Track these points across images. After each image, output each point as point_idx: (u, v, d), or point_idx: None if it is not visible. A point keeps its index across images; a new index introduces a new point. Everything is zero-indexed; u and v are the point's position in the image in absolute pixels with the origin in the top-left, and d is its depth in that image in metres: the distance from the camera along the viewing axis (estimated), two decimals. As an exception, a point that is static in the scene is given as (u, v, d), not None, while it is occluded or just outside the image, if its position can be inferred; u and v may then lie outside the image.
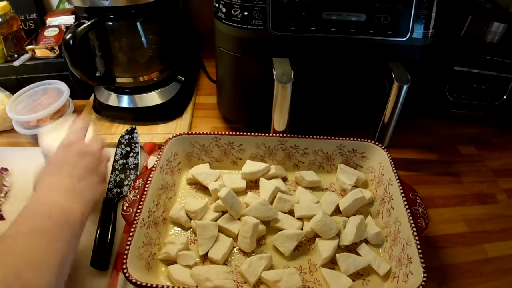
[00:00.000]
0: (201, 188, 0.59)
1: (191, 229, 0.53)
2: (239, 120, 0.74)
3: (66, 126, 0.55)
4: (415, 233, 0.45)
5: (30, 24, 0.87)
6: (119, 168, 0.62)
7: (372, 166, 0.59)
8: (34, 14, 0.86)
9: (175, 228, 0.54)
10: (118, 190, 0.59)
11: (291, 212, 0.55)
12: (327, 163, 0.61)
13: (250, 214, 0.52)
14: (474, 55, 0.72)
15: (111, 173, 0.61)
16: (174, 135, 0.58)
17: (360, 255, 0.50)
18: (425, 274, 0.42)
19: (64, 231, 0.39)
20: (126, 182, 0.60)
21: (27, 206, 0.40)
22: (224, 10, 0.55)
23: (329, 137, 0.59)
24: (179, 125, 0.74)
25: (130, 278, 0.40)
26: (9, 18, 0.73)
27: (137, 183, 0.52)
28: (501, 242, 0.58)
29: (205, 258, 0.50)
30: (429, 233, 0.58)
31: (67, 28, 0.79)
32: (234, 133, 0.59)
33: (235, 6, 0.54)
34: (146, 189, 0.49)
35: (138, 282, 0.40)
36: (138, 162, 0.63)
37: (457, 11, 0.74)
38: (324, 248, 0.49)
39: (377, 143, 0.58)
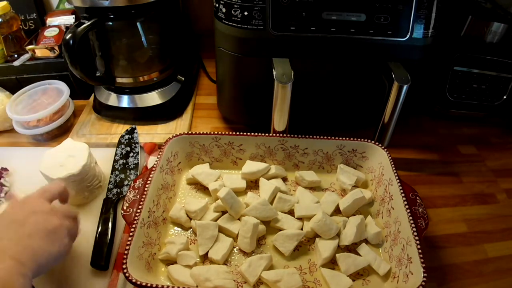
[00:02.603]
0: (201, 188, 0.59)
1: (191, 229, 0.53)
2: (239, 120, 0.74)
3: (68, 149, 0.56)
4: (415, 233, 0.45)
5: (30, 24, 0.87)
6: (119, 168, 0.62)
7: (372, 166, 0.59)
8: (34, 14, 0.86)
9: (175, 228, 0.54)
10: (118, 190, 0.59)
11: (291, 212, 0.55)
12: (327, 163, 0.61)
13: (250, 214, 0.52)
14: (474, 55, 0.72)
15: (111, 173, 0.61)
16: (174, 135, 0.58)
17: (360, 255, 0.50)
18: (425, 274, 0.42)
19: None
20: (126, 182, 0.60)
21: None
22: (224, 10, 0.55)
23: (329, 137, 0.59)
24: (179, 125, 0.74)
25: (130, 278, 0.40)
26: (9, 18, 0.73)
27: (137, 183, 0.52)
28: (501, 242, 0.58)
29: (205, 258, 0.50)
30: (429, 233, 0.58)
31: (67, 28, 0.79)
32: (234, 133, 0.59)
33: (235, 6, 0.54)
34: (146, 189, 0.49)
35: (138, 282, 0.40)
36: (138, 162, 0.63)
37: (457, 11, 0.74)
38: (324, 248, 0.49)
39: (377, 143, 0.58)
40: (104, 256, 0.50)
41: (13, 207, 0.42)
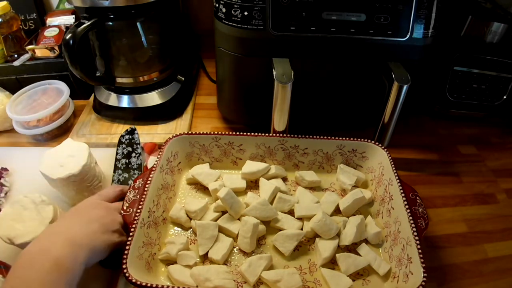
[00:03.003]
0: (201, 188, 0.59)
1: (191, 229, 0.53)
2: (239, 120, 0.74)
3: (68, 149, 0.56)
4: (415, 233, 0.45)
5: (30, 24, 0.87)
6: (122, 168, 0.62)
7: (372, 166, 0.59)
8: (34, 14, 0.86)
9: (175, 228, 0.54)
10: None
11: (291, 212, 0.55)
12: (327, 163, 0.61)
13: (250, 214, 0.52)
14: (474, 55, 0.72)
15: (114, 172, 0.61)
16: (174, 135, 0.58)
17: (360, 255, 0.50)
18: (425, 274, 0.42)
19: (53, 279, 0.37)
20: (130, 182, 0.60)
21: (21, 255, 0.39)
22: (224, 10, 0.55)
23: (329, 137, 0.59)
24: (179, 125, 0.74)
25: (130, 278, 0.40)
26: (9, 18, 0.73)
27: (137, 183, 0.52)
28: (501, 242, 0.58)
29: (205, 258, 0.50)
30: (429, 233, 0.58)
31: (67, 28, 0.79)
32: (234, 133, 0.59)
33: (235, 6, 0.54)
34: (146, 189, 0.49)
35: (138, 282, 0.40)
36: (141, 163, 0.63)
37: (457, 11, 0.74)
38: (324, 248, 0.49)
39: (377, 143, 0.58)
40: (115, 255, 0.49)
41: (75, 208, 0.48)
